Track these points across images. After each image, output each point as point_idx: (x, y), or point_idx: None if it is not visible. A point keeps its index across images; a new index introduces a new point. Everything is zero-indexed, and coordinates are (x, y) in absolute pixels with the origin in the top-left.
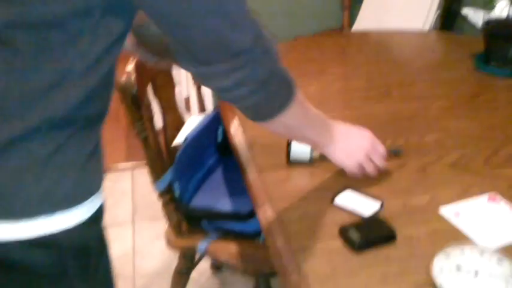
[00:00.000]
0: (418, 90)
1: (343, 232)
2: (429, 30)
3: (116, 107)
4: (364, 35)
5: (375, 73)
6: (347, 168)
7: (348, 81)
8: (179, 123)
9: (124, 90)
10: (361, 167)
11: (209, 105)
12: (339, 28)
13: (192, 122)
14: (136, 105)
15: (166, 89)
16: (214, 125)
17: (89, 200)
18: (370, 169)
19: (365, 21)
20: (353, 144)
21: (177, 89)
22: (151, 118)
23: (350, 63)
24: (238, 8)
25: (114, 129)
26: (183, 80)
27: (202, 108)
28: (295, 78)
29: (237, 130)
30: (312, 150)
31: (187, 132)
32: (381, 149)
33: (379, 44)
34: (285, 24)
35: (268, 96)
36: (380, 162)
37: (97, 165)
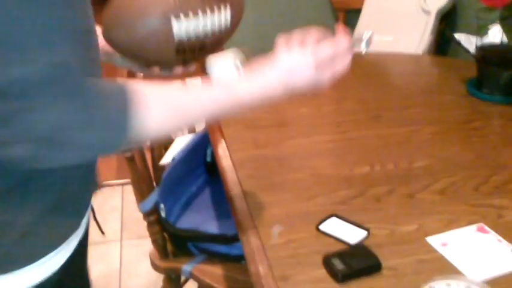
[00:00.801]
0: (409, 115)
1: (327, 261)
2: (423, 54)
3: None
4: (358, 57)
5: (366, 96)
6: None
7: (339, 104)
8: (167, 142)
9: None
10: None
11: (199, 125)
12: None
13: (180, 142)
14: None
15: None
16: (203, 146)
17: (27, 268)
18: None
19: None
20: (302, 79)
21: None
22: None
23: (342, 85)
24: (30, 31)
25: None
26: None
27: (192, 128)
28: (287, 99)
29: (224, 152)
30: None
31: (174, 152)
32: (339, 49)
33: (372, 66)
34: None
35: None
36: (344, 63)
37: (48, 227)
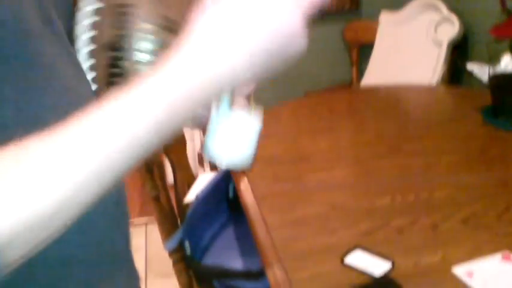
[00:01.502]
0: (427, 145)
1: None
2: (437, 84)
3: None
4: (373, 90)
5: (383, 128)
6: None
7: (357, 137)
8: (190, 180)
9: None
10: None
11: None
12: (348, 82)
13: (203, 179)
14: (148, 165)
15: (177, 148)
16: (225, 182)
17: None
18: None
19: (373, 75)
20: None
21: (189, 145)
22: (163, 177)
23: (359, 118)
24: None
25: (129, 184)
26: (196, 136)
27: (214, 165)
28: (306, 134)
29: (247, 187)
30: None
31: (198, 189)
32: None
33: (388, 98)
34: (296, 80)
35: None
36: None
37: None
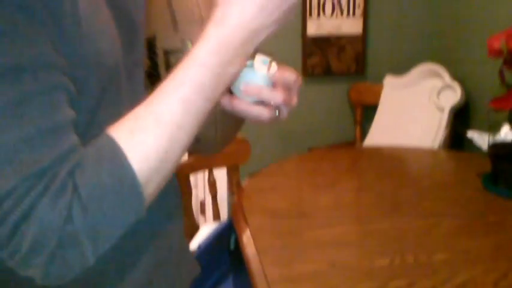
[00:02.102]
0: (427, 208)
1: None
2: (439, 148)
3: None
4: (376, 150)
5: (385, 188)
6: None
7: (359, 195)
8: (193, 230)
9: None
10: None
11: (224, 212)
12: (352, 141)
13: (205, 230)
14: None
15: (183, 195)
16: (227, 234)
17: None
18: None
19: (376, 136)
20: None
21: (193, 192)
22: None
23: (361, 177)
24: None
25: None
26: (199, 184)
27: (217, 215)
28: (308, 190)
29: (249, 240)
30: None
31: (200, 239)
32: None
33: (390, 159)
34: (300, 136)
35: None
36: None
37: None
